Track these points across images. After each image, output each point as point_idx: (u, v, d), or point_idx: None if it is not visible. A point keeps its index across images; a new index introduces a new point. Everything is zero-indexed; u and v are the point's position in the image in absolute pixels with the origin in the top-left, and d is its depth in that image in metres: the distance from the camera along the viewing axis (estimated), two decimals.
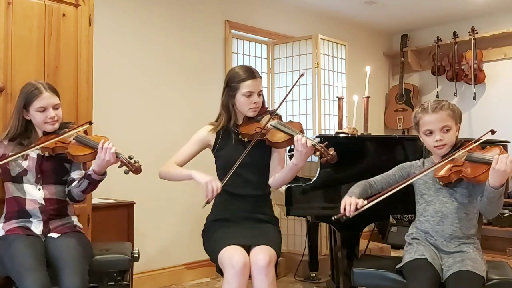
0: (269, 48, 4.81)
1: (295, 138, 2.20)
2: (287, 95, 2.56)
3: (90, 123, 2.38)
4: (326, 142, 2.18)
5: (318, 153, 2.16)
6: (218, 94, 4.20)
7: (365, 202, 2.09)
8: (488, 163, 2.01)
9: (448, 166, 2.14)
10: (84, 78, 2.67)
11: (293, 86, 2.50)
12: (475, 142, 2.15)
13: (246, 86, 2.35)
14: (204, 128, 2.48)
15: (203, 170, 2.27)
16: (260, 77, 2.42)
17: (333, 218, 2.11)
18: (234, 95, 2.38)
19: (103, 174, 2.26)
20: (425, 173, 2.18)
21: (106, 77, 3.53)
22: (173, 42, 4.04)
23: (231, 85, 2.39)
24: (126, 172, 2.16)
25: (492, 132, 2.08)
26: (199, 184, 2.24)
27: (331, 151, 2.14)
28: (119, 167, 2.17)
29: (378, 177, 2.35)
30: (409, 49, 5.88)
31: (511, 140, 3.36)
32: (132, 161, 2.16)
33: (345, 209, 2.08)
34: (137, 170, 2.16)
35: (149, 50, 3.89)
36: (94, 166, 2.23)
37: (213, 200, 2.47)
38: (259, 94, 2.39)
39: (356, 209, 2.07)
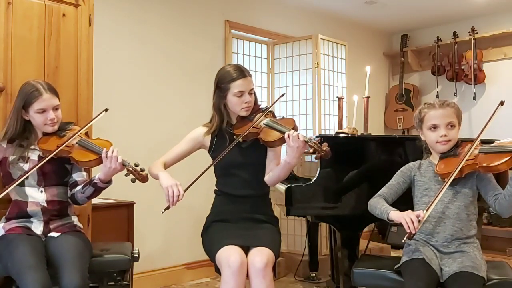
0: (269, 48, 4.81)
1: (285, 134, 2.17)
2: (273, 103, 2.56)
3: (106, 110, 2.29)
4: (320, 139, 2.14)
5: (311, 149, 2.13)
6: None
7: (425, 212, 2.04)
8: (510, 151, 2.01)
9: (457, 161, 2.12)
10: (84, 78, 2.67)
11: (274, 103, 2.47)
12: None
13: (236, 86, 2.31)
14: (198, 129, 2.45)
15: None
16: (250, 75, 2.37)
17: (403, 241, 2.08)
18: (225, 96, 2.35)
19: (109, 182, 2.25)
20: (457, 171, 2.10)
21: (106, 77, 3.52)
22: (173, 42, 4.04)
23: (221, 86, 2.35)
24: (133, 181, 2.14)
25: (502, 103, 2.09)
26: (161, 188, 2.18)
27: (325, 146, 2.11)
28: (126, 175, 2.15)
29: (384, 189, 2.33)
30: (409, 49, 5.87)
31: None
32: (138, 169, 2.15)
33: (409, 227, 2.02)
34: (144, 178, 2.15)
35: (149, 50, 3.89)
36: (100, 174, 2.21)
37: (215, 200, 2.44)
38: (250, 92, 2.35)
39: (419, 221, 2.03)
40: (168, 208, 2.14)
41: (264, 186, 2.42)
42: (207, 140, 2.42)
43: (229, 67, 2.39)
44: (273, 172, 2.35)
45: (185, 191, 2.16)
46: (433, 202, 2.08)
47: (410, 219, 2.02)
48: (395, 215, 2.11)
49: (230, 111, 2.39)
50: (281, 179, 2.36)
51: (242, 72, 2.34)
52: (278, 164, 2.36)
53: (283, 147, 2.30)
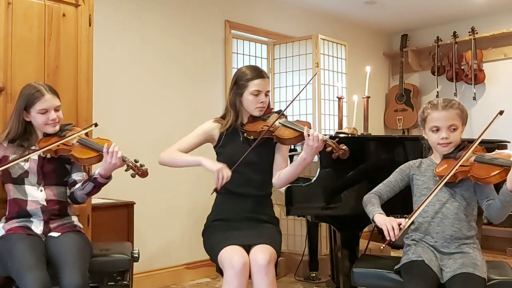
0: (269, 48, 4.81)
1: (306, 132, 2.20)
2: (298, 93, 2.62)
3: (96, 125, 2.37)
4: (337, 139, 2.19)
5: (329, 148, 2.17)
6: (218, 94, 4.30)
7: (407, 220, 2.04)
8: (503, 165, 2.00)
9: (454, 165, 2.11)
10: (84, 78, 2.67)
11: (306, 85, 2.51)
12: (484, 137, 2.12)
13: (254, 84, 2.36)
14: (210, 122, 2.47)
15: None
16: (268, 78, 2.44)
17: (382, 247, 2.11)
18: (242, 93, 2.39)
19: (109, 177, 2.26)
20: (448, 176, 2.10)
21: (106, 77, 3.52)
22: (173, 42, 4.04)
23: (239, 83, 2.40)
24: (133, 176, 2.16)
25: (501, 112, 2.07)
26: (209, 171, 2.24)
27: (343, 146, 2.16)
28: (126, 170, 2.17)
29: (381, 186, 2.33)
30: (409, 49, 5.88)
31: (511, 140, 3.36)
32: (138, 164, 2.17)
33: (389, 235, 2.01)
34: (144, 173, 2.16)
35: (149, 50, 3.89)
36: (100, 169, 2.22)
37: (221, 189, 2.42)
38: (266, 94, 2.40)
39: (400, 229, 2.02)
40: (216, 189, 2.22)
41: (267, 187, 2.43)
42: (217, 134, 2.44)
43: (249, 67, 2.46)
44: (285, 171, 2.36)
45: (232, 172, 2.23)
46: (417, 210, 2.08)
47: (391, 227, 2.03)
48: (378, 219, 2.13)
49: (243, 109, 2.42)
50: (292, 178, 2.36)
51: (260, 73, 2.40)
52: (287, 166, 2.38)
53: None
